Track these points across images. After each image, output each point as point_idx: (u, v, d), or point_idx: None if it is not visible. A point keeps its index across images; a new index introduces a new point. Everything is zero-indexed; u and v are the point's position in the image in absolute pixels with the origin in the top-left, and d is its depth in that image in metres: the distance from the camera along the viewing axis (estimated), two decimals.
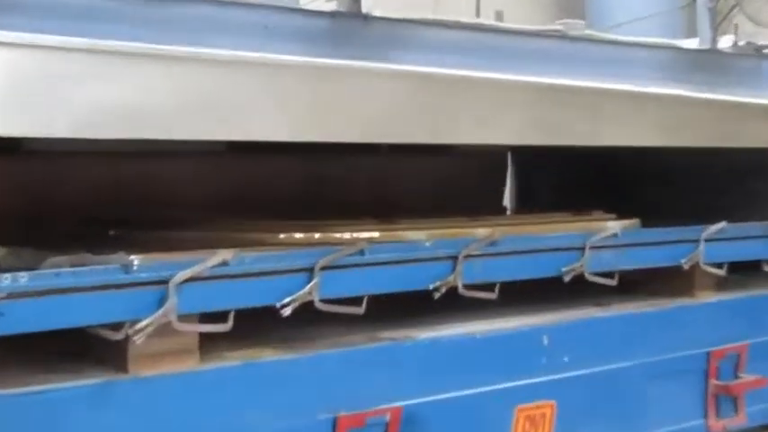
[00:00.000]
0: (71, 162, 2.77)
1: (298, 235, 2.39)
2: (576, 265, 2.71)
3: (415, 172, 3.51)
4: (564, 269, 2.69)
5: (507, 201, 3.86)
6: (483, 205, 3.62)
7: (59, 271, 1.91)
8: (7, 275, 1.83)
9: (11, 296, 1.83)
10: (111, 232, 2.49)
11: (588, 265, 2.73)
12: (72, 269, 1.93)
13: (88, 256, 2.01)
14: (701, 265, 2.98)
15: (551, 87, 2.52)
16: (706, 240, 2.97)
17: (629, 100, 2.72)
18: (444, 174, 3.60)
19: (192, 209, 2.92)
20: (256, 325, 2.31)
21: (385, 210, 3.14)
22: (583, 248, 2.73)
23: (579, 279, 2.76)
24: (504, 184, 3.87)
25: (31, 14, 1.73)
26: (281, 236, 2.37)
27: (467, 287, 2.49)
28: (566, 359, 2.67)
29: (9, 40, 1.71)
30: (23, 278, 1.85)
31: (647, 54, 2.81)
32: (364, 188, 3.38)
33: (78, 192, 2.79)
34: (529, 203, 3.86)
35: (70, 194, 2.77)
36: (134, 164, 2.89)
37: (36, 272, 1.88)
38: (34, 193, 2.73)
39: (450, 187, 3.59)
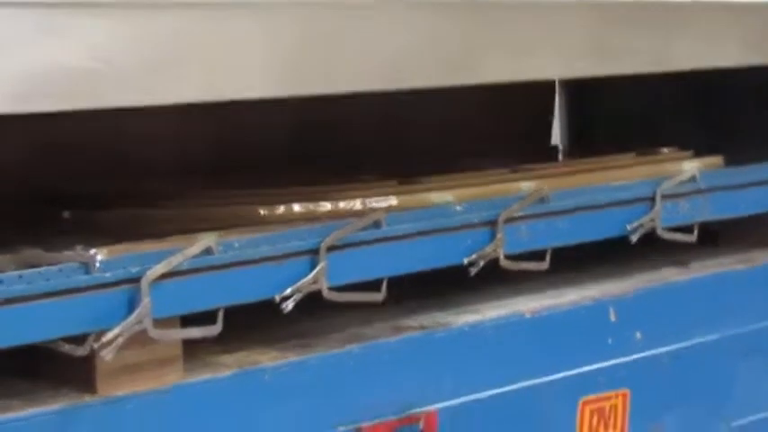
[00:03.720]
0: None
1: (297, 207, 2.36)
2: (646, 220, 2.70)
3: (436, 105, 3.47)
4: (630, 227, 2.68)
5: (557, 137, 3.83)
6: (526, 144, 3.60)
7: (4, 276, 1.89)
8: None
9: None
10: (65, 213, 2.47)
11: (661, 220, 2.72)
12: (20, 272, 1.91)
13: (39, 254, 1.99)
14: None
15: (611, 3, 2.49)
16: None
17: (714, 12, 2.67)
18: (473, 106, 3.56)
19: (157, 172, 2.90)
20: (251, 322, 2.31)
21: (398, 159, 3.13)
22: (653, 199, 2.72)
23: (649, 235, 2.75)
24: (551, 115, 3.84)
25: None
26: (279, 209, 2.34)
27: (510, 258, 2.49)
28: (638, 336, 2.68)
29: None
30: None
31: None
32: (371, 130, 3.34)
33: (16, 157, 2.76)
34: (583, 139, 3.82)
35: (5, 161, 2.74)
36: (82, 120, 2.85)
37: None
38: None
39: (481, 123, 3.55)
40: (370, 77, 2.16)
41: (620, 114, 3.70)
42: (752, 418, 2.90)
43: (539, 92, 3.74)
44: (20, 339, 1.91)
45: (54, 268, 1.94)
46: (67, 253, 1.99)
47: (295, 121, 3.18)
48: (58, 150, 2.79)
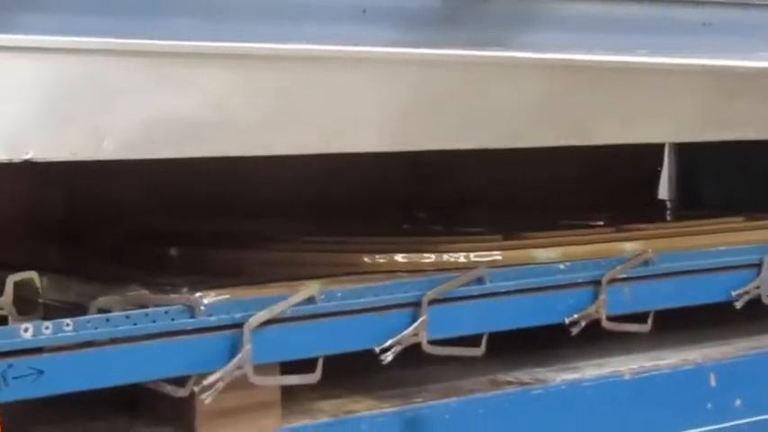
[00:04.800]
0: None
1: (401, 257, 2.35)
2: (751, 287, 2.66)
3: (543, 155, 3.44)
4: (735, 293, 2.64)
5: (664, 189, 3.78)
6: (632, 196, 3.56)
7: (111, 316, 1.92)
8: (48, 325, 1.85)
9: (53, 350, 1.85)
10: (172, 251, 2.50)
11: (767, 287, 2.68)
12: (126, 313, 1.94)
13: (146, 295, 2.01)
14: None
15: (724, 71, 2.46)
16: None
17: None
18: (581, 156, 3.52)
19: (262, 212, 2.92)
20: (349, 369, 2.31)
21: (503, 206, 3.11)
22: (759, 265, 2.68)
23: (754, 300, 2.70)
24: (659, 168, 3.79)
25: (61, 10, 1.72)
26: (380, 259, 2.34)
27: (612, 319, 2.46)
28: (737, 403, 2.63)
29: (41, 45, 1.71)
30: (68, 327, 1.86)
31: None
32: (478, 177, 3.33)
33: (127, 196, 2.80)
34: (691, 193, 3.77)
35: (117, 199, 2.79)
36: (191, 160, 2.88)
37: (83, 319, 1.89)
38: (74, 195, 2.76)
39: (588, 173, 3.52)
40: (483, 136, 2.16)
41: (730, 171, 3.64)
42: None
43: (648, 145, 3.70)
44: (124, 379, 1.94)
45: (160, 310, 1.96)
46: (174, 296, 2.02)
47: (402, 163, 3.18)
48: (167, 189, 2.83)
